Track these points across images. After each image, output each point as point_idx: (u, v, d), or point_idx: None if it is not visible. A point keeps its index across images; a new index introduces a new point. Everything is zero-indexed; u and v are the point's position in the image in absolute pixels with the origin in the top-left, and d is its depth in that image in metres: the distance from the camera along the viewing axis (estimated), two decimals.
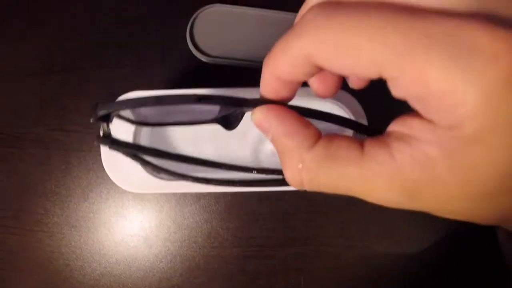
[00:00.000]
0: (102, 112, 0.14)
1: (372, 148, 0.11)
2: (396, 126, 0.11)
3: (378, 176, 0.11)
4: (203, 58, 0.30)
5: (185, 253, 0.30)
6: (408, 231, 0.30)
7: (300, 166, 0.12)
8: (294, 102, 0.13)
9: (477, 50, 0.08)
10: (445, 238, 0.30)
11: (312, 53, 0.10)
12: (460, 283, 0.30)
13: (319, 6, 0.10)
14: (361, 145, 0.12)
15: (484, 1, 0.09)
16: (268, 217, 0.30)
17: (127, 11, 0.32)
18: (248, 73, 0.30)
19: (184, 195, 0.30)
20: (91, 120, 0.15)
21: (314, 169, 0.12)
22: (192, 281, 0.30)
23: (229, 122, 0.14)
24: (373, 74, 0.10)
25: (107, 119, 0.15)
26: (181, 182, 0.23)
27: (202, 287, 0.30)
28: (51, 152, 0.32)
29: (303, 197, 0.30)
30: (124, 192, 0.31)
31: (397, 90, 0.10)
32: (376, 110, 0.23)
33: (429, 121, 0.10)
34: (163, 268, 0.30)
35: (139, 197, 0.31)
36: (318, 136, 0.12)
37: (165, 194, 0.30)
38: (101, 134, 0.16)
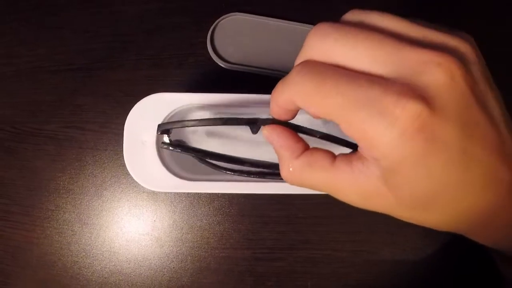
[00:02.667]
0: (162, 128, 0.20)
1: (341, 161, 0.16)
2: (360, 149, 0.15)
3: (342, 182, 0.16)
4: (222, 64, 0.31)
5: (196, 254, 0.31)
6: (414, 239, 0.31)
7: (291, 169, 0.17)
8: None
9: (385, 114, 0.12)
10: (448, 246, 0.31)
11: (293, 100, 0.15)
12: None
13: (302, 65, 0.15)
14: (334, 158, 0.16)
15: (402, 74, 0.13)
16: (279, 221, 0.31)
17: (149, 19, 0.33)
18: (263, 79, 0.31)
19: (198, 196, 0.31)
20: (157, 133, 0.21)
21: (298, 172, 0.17)
22: (201, 281, 0.31)
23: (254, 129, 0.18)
24: (331, 120, 0.14)
25: (167, 132, 0.21)
26: (199, 182, 0.24)
27: None
28: (65, 149, 0.32)
29: (312, 202, 0.31)
30: (138, 191, 0.31)
31: (344, 131, 0.14)
32: None
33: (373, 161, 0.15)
34: (173, 268, 0.31)
35: (153, 197, 0.31)
36: (305, 148, 0.17)
37: (179, 195, 0.31)
38: (166, 141, 0.22)
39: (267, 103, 0.18)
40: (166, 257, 0.31)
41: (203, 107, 0.26)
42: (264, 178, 0.24)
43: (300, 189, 0.18)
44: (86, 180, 0.32)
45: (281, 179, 0.18)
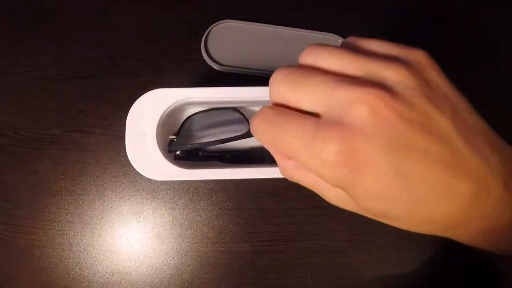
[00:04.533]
0: (172, 148, 0.26)
1: None
2: None
3: (322, 184, 0.17)
4: (216, 67, 0.33)
5: (196, 249, 0.31)
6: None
7: (286, 169, 0.19)
8: None
9: (317, 156, 0.15)
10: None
11: (260, 141, 0.18)
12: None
13: (260, 114, 0.17)
14: None
15: (333, 113, 0.15)
16: (276, 213, 0.32)
17: (148, 29, 0.35)
18: (253, 79, 0.33)
19: (196, 192, 0.32)
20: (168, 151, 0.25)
21: (290, 172, 0.19)
22: (202, 277, 0.31)
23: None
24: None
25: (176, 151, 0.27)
26: (198, 170, 0.25)
27: (212, 283, 0.31)
28: (68, 152, 0.33)
29: (308, 193, 0.32)
30: (138, 190, 0.32)
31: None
32: None
33: None
34: (174, 264, 0.31)
35: (153, 195, 0.32)
36: None
37: (179, 191, 0.32)
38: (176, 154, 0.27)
39: (255, 96, 0.24)
40: (166, 254, 0.32)
41: (199, 102, 0.27)
42: (258, 164, 0.26)
43: None
44: (87, 181, 0.33)
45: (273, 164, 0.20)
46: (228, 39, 0.34)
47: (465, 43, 0.36)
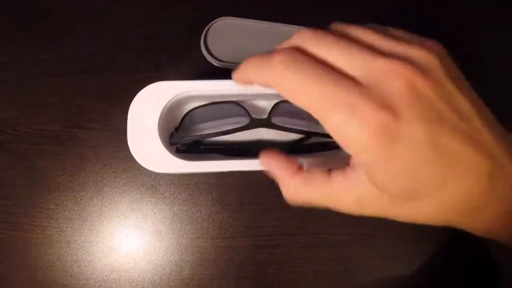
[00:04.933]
0: (174, 140, 0.26)
1: (335, 174, 0.18)
2: (351, 160, 0.18)
3: (339, 193, 0.18)
4: (215, 63, 0.33)
5: (197, 245, 0.31)
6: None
7: (291, 189, 0.19)
8: None
9: (360, 118, 0.15)
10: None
11: (269, 84, 0.17)
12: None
13: (287, 55, 0.16)
14: (329, 173, 0.18)
15: (371, 81, 0.16)
16: (277, 207, 0.31)
17: (148, 25, 0.35)
18: None
19: (196, 187, 0.32)
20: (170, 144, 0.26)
21: (298, 190, 0.19)
22: (202, 273, 0.31)
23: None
24: (309, 112, 0.16)
25: (177, 143, 0.27)
26: (200, 162, 0.25)
27: (213, 279, 0.31)
28: (67, 148, 0.33)
29: None
30: (138, 185, 0.32)
31: (324, 126, 0.16)
32: None
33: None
34: (174, 260, 0.31)
35: (153, 191, 0.32)
36: (299, 169, 0.19)
37: (179, 187, 0.32)
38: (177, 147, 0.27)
39: (257, 88, 0.21)
40: (166, 250, 0.31)
41: (200, 95, 0.27)
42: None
43: None
44: (86, 177, 0.32)
45: None
46: (227, 36, 0.34)
47: (465, 43, 0.36)
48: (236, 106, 0.28)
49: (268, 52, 0.17)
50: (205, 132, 0.27)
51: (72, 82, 0.34)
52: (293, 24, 0.35)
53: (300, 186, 0.19)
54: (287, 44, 0.18)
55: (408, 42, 0.16)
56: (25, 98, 0.34)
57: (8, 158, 0.33)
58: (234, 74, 0.20)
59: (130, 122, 0.26)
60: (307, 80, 0.16)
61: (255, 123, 0.27)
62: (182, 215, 0.32)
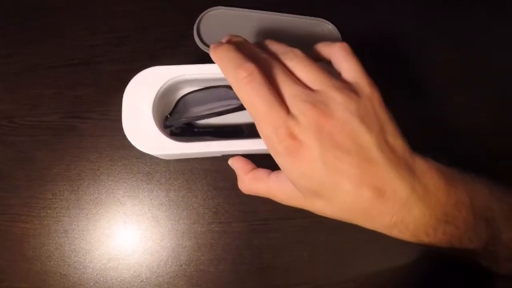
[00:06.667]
0: (168, 123, 0.28)
1: (273, 175, 0.25)
2: None
3: (273, 188, 0.25)
4: (208, 51, 0.34)
5: (193, 230, 0.31)
6: None
7: (244, 181, 0.27)
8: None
9: (278, 139, 0.21)
10: None
11: (233, 88, 0.23)
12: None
13: (252, 72, 0.22)
14: (269, 173, 0.25)
15: (293, 112, 0.22)
16: None
17: (142, 16, 0.36)
18: None
19: (192, 172, 0.32)
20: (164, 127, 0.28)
21: (247, 183, 0.26)
22: (199, 258, 0.31)
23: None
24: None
25: (172, 126, 0.28)
26: (195, 143, 0.26)
27: (209, 264, 0.31)
28: (64, 138, 0.33)
29: None
30: (134, 173, 0.32)
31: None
32: None
33: None
34: (171, 246, 0.31)
35: (149, 177, 0.32)
36: (252, 168, 0.27)
37: (174, 173, 0.32)
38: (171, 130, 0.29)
39: None
40: (163, 236, 0.32)
41: (194, 80, 0.28)
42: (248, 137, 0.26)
43: None
44: (83, 167, 0.33)
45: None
46: (220, 25, 0.35)
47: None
48: (229, 90, 0.28)
49: (240, 60, 0.22)
50: (199, 114, 0.27)
51: (69, 73, 0.35)
52: (286, 13, 0.35)
53: (250, 181, 0.26)
54: (275, 46, 0.24)
55: (339, 83, 0.22)
56: (22, 90, 0.35)
57: (6, 150, 0.33)
58: (211, 53, 0.24)
59: (125, 106, 0.26)
60: (256, 99, 0.21)
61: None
62: (178, 201, 0.32)
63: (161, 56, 0.34)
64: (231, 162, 0.28)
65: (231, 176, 0.32)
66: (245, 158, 0.27)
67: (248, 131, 0.29)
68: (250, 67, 0.21)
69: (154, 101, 0.26)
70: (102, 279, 0.31)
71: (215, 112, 0.26)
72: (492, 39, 0.38)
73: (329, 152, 0.20)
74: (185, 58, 0.35)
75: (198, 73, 0.27)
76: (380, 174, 0.21)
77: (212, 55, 0.23)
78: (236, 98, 0.28)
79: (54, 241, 0.32)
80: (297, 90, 0.21)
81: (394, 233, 0.22)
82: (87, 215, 0.32)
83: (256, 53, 0.23)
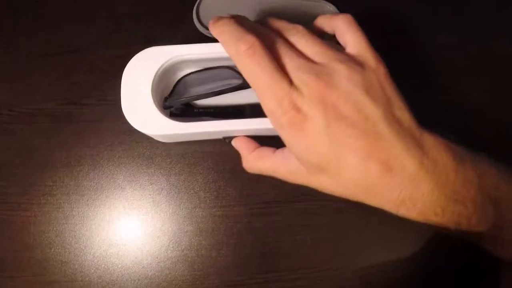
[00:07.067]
0: (168, 104, 0.27)
1: (277, 152, 0.25)
2: None
3: (277, 165, 0.24)
4: (209, 34, 0.34)
5: (194, 215, 0.31)
6: None
7: (248, 161, 0.26)
8: None
9: (282, 110, 0.21)
10: None
11: (233, 61, 0.23)
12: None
13: (253, 44, 0.21)
14: (274, 151, 0.25)
15: (296, 83, 0.22)
16: None
17: (139, 2, 0.35)
18: None
19: (192, 156, 0.32)
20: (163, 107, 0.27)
21: (252, 162, 0.26)
22: (201, 243, 0.31)
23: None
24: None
25: (172, 107, 0.28)
26: (195, 123, 0.25)
27: (211, 249, 0.31)
28: (63, 124, 0.33)
29: None
30: (134, 157, 0.32)
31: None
32: None
33: None
34: (172, 231, 0.31)
35: (149, 161, 0.32)
36: (256, 147, 0.26)
37: (175, 157, 0.32)
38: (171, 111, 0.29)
39: None
40: (164, 221, 0.31)
41: (193, 60, 0.27)
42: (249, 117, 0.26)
43: None
44: (83, 152, 0.32)
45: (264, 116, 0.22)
46: (220, 7, 0.34)
47: None
48: (229, 70, 0.28)
49: (240, 33, 0.21)
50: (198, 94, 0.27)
51: (66, 60, 0.34)
52: None
53: (254, 159, 0.25)
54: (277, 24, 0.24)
55: (344, 56, 0.22)
56: (19, 79, 0.34)
57: (5, 139, 0.33)
58: (210, 27, 0.23)
59: (123, 87, 0.26)
60: (258, 72, 0.20)
61: (247, 84, 0.27)
62: (179, 185, 0.31)
63: (159, 40, 0.34)
64: (234, 142, 0.27)
65: (233, 159, 0.32)
66: (249, 138, 0.27)
67: (249, 111, 0.28)
68: (251, 39, 0.20)
69: (153, 81, 0.26)
70: (103, 265, 0.31)
71: (215, 92, 0.26)
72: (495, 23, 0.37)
73: (333, 125, 0.20)
74: (185, 42, 0.34)
75: (197, 53, 0.27)
76: (388, 148, 0.20)
77: (212, 29, 0.23)
78: (237, 78, 0.27)
79: (55, 228, 0.32)
80: (300, 62, 0.21)
81: (401, 211, 0.21)
82: (87, 201, 0.32)
83: (257, 28, 0.23)
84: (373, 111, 0.20)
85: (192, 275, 0.30)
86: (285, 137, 0.21)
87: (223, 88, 0.26)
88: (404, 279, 0.30)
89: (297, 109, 0.20)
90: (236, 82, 0.27)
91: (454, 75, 0.35)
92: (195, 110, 0.29)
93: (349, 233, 0.31)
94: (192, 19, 0.34)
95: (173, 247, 0.31)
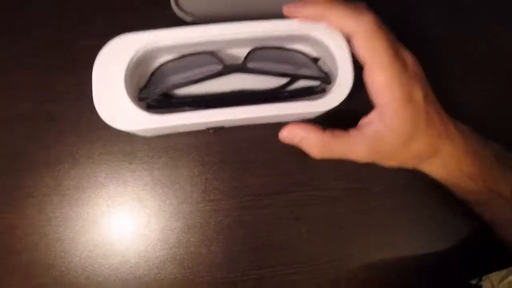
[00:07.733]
0: (143, 95, 0.25)
1: (352, 130, 0.24)
2: (365, 118, 0.24)
3: (355, 143, 0.23)
4: (187, 18, 0.31)
5: (181, 210, 0.29)
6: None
7: (321, 142, 0.24)
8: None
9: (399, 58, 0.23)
10: None
11: (350, 36, 0.24)
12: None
13: (374, 16, 0.23)
14: (348, 130, 0.24)
15: None
16: (261, 164, 0.29)
17: None
18: None
19: (175, 149, 0.30)
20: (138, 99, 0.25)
21: (328, 143, 0.23)
22: (189, 240, 0.29)
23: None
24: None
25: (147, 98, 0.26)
26: (173, 115, 0.23)
27: (200, 245, 0.29)
28: (40, 124, 0.31)
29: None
30: (114, 153, 0.30)
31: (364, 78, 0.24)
32: None
33: (377, 114, 0.23)
34: (159, 228, 0.29)
35: (131, 156, 0.30)
36: (324, 129, 0.24)
37: (157, 151, 0.30)
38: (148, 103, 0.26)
39: (233, 32, 0.24)
40: (150, 218, 0.30)
41: (170, 46, 0.25)
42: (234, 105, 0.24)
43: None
44: (62, 150, 0.31)
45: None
46: None
47: None
48: (208, 56, 0.26)
49: (355, 6, 0.22)
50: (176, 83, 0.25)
51: (41, 57, 0.32)
52: None
53: (329, 140, 0.23)
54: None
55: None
56: None
57: None
58: (302, 8, 0.24)
59: (95, 81, 0.24)
60: (386, 44, 0.22)
61: (229, 69, 0.25)
62: (164, 180, 0.30)
63: (136, 26, 0.32)
64: (289, 132, 0.24)
65: (219, 150, 0.30)
66: (305, 123, 0.24)
67: (231, 98, 0.27)
68: (371, 13, 0.22)
69: (126, 72, 0.24)
70: (90, 266, 0.30)
71: (194, 80, 0.24)
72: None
73: (426, 101, 0.23)
74: (163, 26, 0.32)
75: (173, 38, 0.25)
76: (436, 119, 0.24)
77: (309, 8, 0.24)
78: (217, 63, 0.25)
79: (39, 231, 0.31)
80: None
81: (450, 168, 0.25)
82: (69, 201, 0.30)
83: None
84: (419, 93, 0.23)
85: (182, 273, 0.29)
86: (388, 100, 0.23)
87: (203, 75, 0.24)
88: (405, 270, 0.28)
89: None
90: (217, 68, 0.25)
91: (454, 74, 0.33)
92: (173, 100, 0.27)
93: (345, 223, 0.29)
94: (170, 3, 0.32)
95: (160, 245, 0.29)
